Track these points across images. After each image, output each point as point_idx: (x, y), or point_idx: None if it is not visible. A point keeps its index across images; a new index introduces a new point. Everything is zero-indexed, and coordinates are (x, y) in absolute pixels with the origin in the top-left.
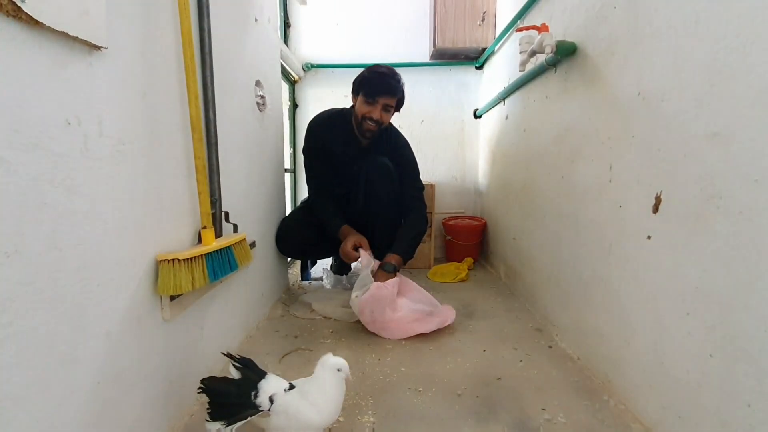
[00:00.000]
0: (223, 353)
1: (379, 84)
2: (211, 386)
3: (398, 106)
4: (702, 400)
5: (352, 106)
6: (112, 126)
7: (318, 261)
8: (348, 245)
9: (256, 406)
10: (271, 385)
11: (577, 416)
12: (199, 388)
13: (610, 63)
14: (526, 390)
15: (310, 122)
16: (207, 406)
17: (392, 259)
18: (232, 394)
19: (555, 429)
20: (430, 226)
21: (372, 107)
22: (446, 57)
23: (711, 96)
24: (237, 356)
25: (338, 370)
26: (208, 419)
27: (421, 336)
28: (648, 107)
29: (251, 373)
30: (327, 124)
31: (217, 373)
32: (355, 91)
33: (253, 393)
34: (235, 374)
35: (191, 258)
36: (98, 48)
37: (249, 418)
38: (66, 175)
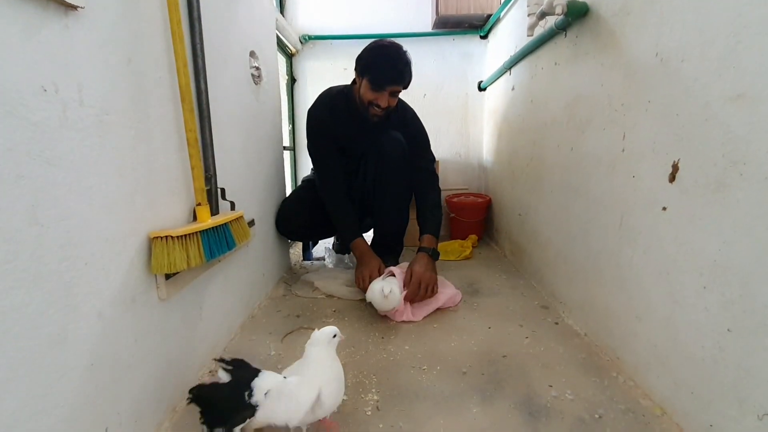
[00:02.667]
0: (215, 359)
1: (388, 73)
2: (200, 395)
3: (405, 87)
4: (717, 376)
5: (354, 81)
6: (94, 94)
7: (320, 240)
8: (365, 274)
9: (252, 407)
10: (266, 382)
11: (584, 393)
12: (187, 399)
13: (626, 23)
14: (532, 367)
15: (309, 109)
16: (200, 416)
17: (431, 242)
18: (224, 399)
19: (562, 406)
20: None
21: (379, 94)
22: (449, 25)
23: (736, 54)
24: (227, 358)
25: (333, 336)
26: (205, 429)
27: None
28: (666, 69)
29: (244, 373)
30: (328, 108)
31: (220, 351)
32: (360, 73)
33: (247, 393)
34: (225, 378)
35: (185, 235)
36: (74, 8)
37: (248, 420)
38: (44, 146)
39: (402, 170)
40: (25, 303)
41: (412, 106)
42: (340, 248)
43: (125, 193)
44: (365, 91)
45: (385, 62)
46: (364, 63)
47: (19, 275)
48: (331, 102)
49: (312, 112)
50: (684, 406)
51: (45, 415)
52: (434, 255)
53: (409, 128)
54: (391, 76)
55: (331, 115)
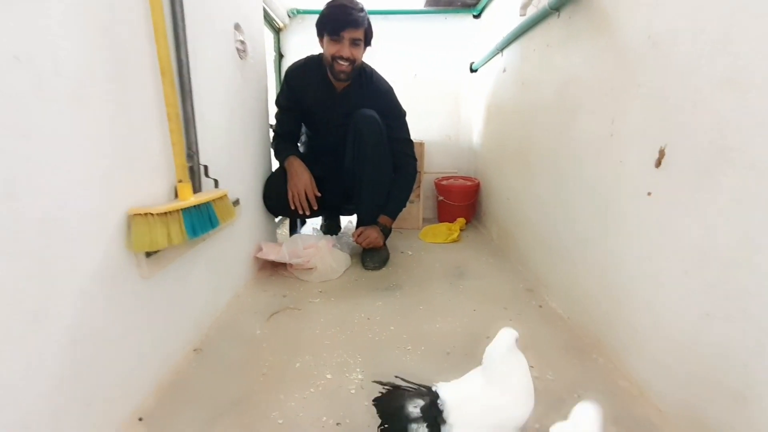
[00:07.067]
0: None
1: (341, 18)
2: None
3: (367, 40)
4: (696, 359)
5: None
6: (69, 64)
7: (307, 221)
8: (299, 188)
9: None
10: (456, 394)
11: (565, 374)
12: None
13: (619, 4)
14: None
15: (286, 71)
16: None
17: (386, 221)
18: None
19: (543, 386)
20: (418, 186)
21: (339, 45)
22: (442, 3)
23: (730, 37)
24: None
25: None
26: None
27: (411, 295)
28: (658, 52)
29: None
30: (301, 72)
31: (206, 329)
32: (320, 33)
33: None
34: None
35: (166, 213)
36: None
37: None
38: (19, 118)
39: (379, 153)
40: (2, 279)
41: (402, 87)
42: (327, 229)
43: (103, 168)
44: (327, 47)
45: (338, 10)
46: (319, 20)
47: None
48: (305, 65)
49: (287, 73)
50: (661, 387)
51: (27, 389)
52: (385, 231)
53: (381, 102)
54: (346, 20)
55: (303, 77)
